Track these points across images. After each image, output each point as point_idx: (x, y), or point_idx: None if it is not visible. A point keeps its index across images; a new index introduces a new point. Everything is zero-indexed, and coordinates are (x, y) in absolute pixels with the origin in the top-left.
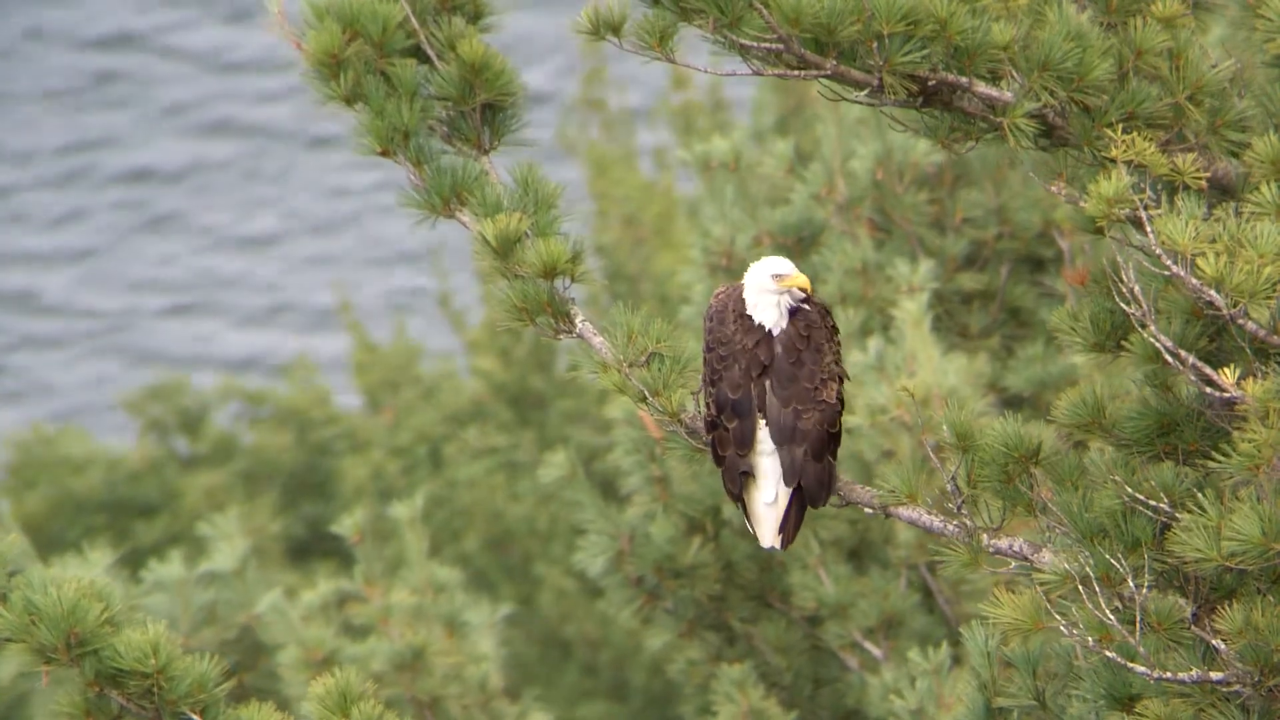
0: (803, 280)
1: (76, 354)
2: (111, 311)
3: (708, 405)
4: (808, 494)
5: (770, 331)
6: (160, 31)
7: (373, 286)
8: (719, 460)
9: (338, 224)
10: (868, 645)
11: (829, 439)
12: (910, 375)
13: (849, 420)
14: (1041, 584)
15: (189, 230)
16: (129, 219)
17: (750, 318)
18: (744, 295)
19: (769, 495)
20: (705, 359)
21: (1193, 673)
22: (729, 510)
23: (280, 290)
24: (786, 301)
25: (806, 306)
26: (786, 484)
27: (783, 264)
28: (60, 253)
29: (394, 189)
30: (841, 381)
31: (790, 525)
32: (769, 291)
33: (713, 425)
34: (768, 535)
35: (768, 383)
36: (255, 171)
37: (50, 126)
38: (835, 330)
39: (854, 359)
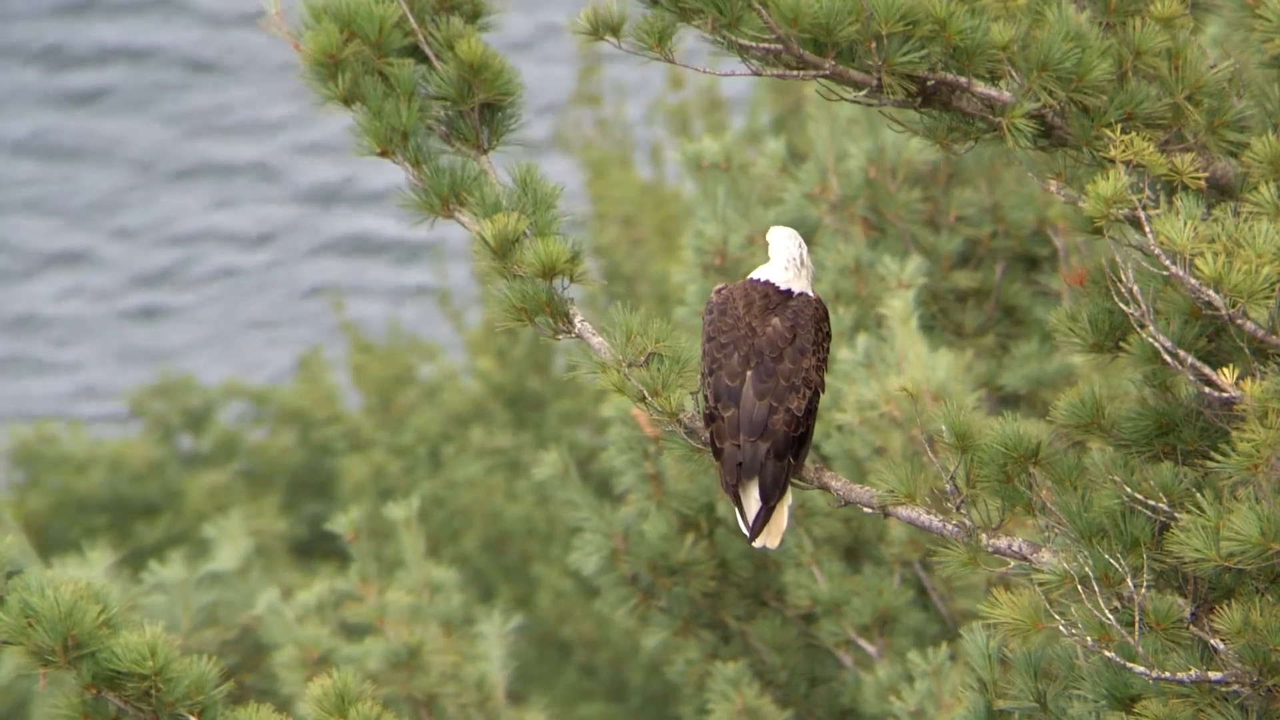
0: None
1: None
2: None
3: (705, 396)
4: (761, 490)
5: (788, 291)
6: None
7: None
8: (718, 453)
9: None
10: (862, 643)
11: (793, 441)
12: (899, 373)
13: (840, 418)
14: (1040, 584)
15: None
16: None
17: (780, 291)
18: (777, 270)
19: (758, 492)
20: (705, 350)
21: (1191, 673)
22: (723, 508)
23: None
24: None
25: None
26: (745, 477)
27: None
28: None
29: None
30: (817, 392)
31: (759, 521)
32: (805, 255)
33: (711, 418)
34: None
35: (748, 373)
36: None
37: None
38: (828, 336)
39: (843, 356)
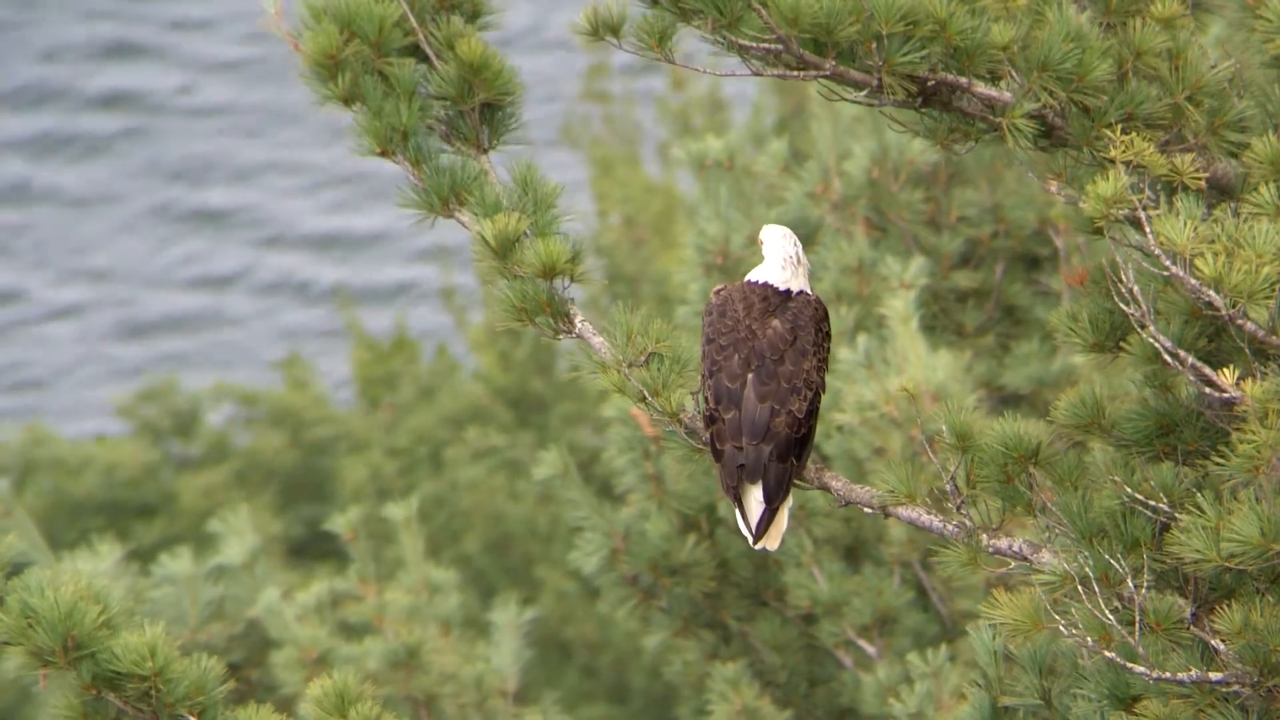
0: None
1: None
2: None
3: (705, 398)
4: (765, 492)
5: (787, 291)
6: None
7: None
8: (718, 455)
9: None
10: (862, 643)
11: (795, 442)
12: (899, 373)
13: (840, 418)
14: (1041, 584)
15: None
16: None
17: (779, 292)
18: (774, 270)
19: (760, 494)
20: (704, 351)
21: (1192, 673)
22: (723, 508)
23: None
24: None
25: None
26: (749, 481)
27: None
28: None
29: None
30: (818, 393)
31: (763, 523)
32: (801, 253)
33: (711, 419)
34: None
35: (750, 375)
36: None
37: None
38: (828, 336)
39: (843, 356)
